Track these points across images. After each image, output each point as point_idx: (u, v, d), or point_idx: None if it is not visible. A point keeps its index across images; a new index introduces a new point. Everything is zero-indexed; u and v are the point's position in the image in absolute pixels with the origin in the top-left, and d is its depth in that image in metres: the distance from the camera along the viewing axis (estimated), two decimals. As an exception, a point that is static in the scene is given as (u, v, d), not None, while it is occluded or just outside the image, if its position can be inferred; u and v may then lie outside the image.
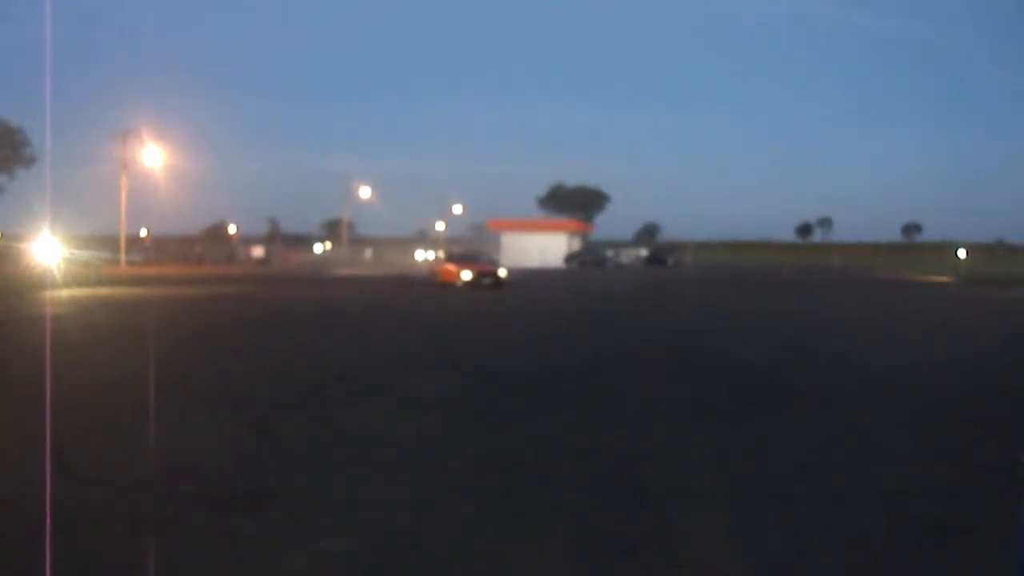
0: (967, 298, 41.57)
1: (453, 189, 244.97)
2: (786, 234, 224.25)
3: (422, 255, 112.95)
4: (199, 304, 31.17)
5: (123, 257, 70.55)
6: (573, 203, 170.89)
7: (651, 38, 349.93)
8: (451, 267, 43.49)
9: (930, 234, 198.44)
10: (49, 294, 34.64)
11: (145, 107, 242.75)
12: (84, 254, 61.91)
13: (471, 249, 67.24)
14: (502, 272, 43.15)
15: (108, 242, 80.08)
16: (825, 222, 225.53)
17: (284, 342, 19.17)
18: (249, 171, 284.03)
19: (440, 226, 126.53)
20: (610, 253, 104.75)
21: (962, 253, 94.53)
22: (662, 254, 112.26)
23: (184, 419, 10.46)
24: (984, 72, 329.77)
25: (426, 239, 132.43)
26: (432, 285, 44.24)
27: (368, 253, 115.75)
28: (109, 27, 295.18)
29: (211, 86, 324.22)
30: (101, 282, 43.44)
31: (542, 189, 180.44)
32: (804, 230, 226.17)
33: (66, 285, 39.99)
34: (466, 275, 41.32)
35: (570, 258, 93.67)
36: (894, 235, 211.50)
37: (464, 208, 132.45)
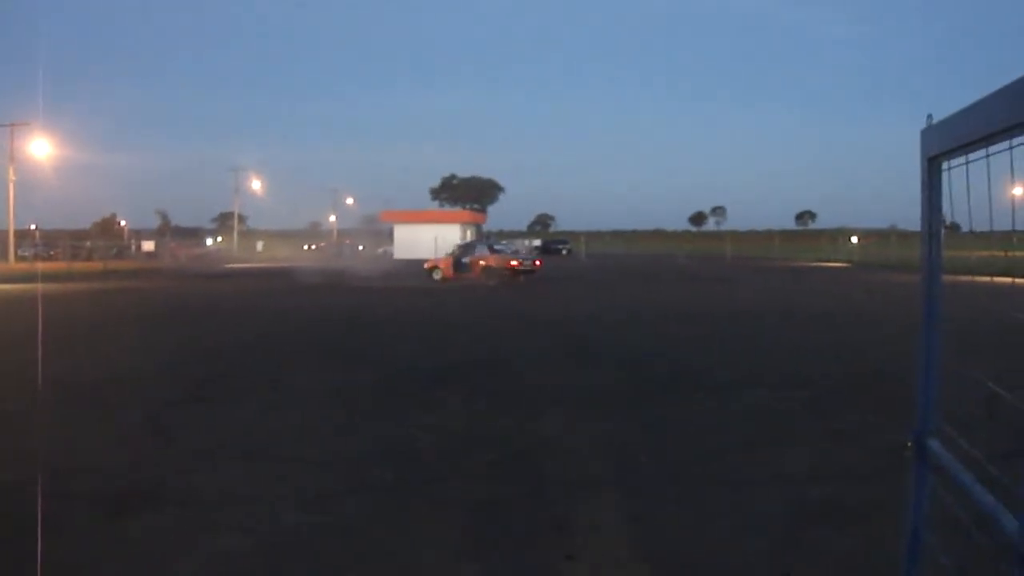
0: (870, 283, 42.15)
1: (346, 181, 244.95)
2: (679, 223, 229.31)
3: (306, 248, 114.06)
4: (88, 300, 31.27)
5: (12, 252, 70.89)
6: (466, 194, 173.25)
7: (543, 26, 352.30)
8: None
9: (823, 221, 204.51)
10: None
11: (32, 98, 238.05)
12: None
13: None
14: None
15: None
16: (718, 211, 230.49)
17: (172, 337, 19.35)
18: (139, 164, 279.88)
19: (332, 218, 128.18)
20: (503, 244, 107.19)
21: (854, 239, 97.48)
22: (555, 245, 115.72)
23: (69, 417, 10.28)
24: (876, 61, 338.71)
25: (319, 232, 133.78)
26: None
27: (260, 246, 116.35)
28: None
29: (99, 77, 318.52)
30: None
31: (435, 180, 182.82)
32: (697, 218, 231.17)
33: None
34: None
35: (456, 250, 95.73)
36: (788, 223, 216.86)
37: (356, 200, 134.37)
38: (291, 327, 21.89)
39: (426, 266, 45.90)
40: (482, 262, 42.60)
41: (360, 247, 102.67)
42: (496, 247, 46.32)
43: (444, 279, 43.31)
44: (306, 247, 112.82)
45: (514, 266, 43.09)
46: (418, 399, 11.73)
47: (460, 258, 43.65)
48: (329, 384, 12.97)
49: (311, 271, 49.95)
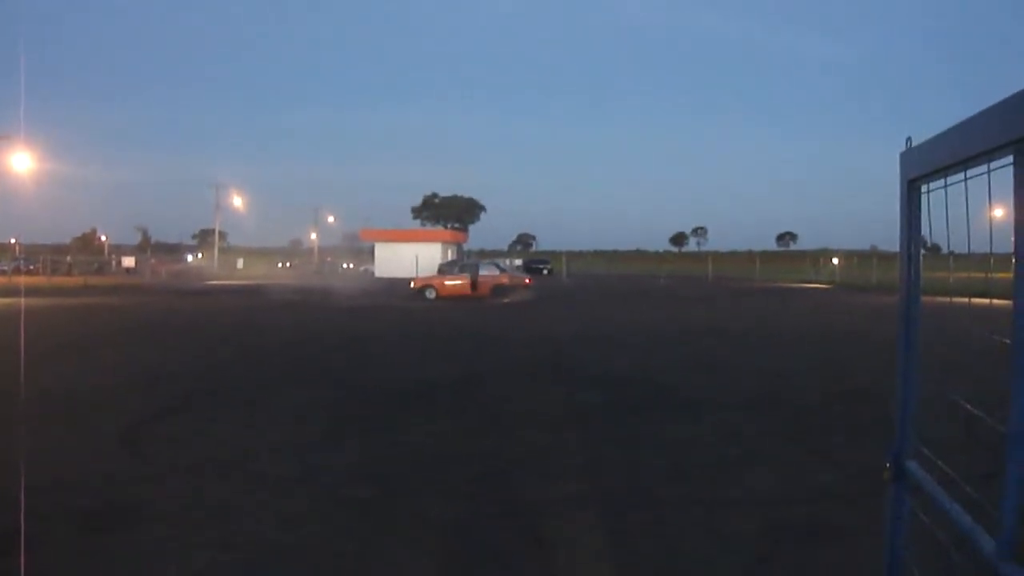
0: (851, 304, 42.57)
1: (327, 199, 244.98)
2: (661, 243, 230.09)
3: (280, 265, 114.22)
4: (67, 315, 31.47)
5: (-10, 267, 70.51)
6: (448, 213, 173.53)
7: (525, 48, 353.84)
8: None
9: (805, 242, 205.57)
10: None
11: (13, 112, 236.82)
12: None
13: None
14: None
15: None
16: (700, 231, 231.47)
17: (152, 354, 19.32)
18: (120, 178, 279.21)
19: (313, 236, 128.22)
20: (489, 263, 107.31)
21: (836, 260, 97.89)
22: (536, 264, 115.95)
23: (45, 433, 10.34)
24: (857, 84, 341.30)
25: (299, 249, 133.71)
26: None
27: (240, 263, 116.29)
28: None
29: (81, 91, 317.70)
30: None
31: (416, 199, 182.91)
32: (678, 239, 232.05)
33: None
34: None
35: (444, 268, 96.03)
36: (769, 244, 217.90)
37: (336, 218, 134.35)
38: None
39: (414, 285, 45.11)
40: (499, 281, 43.52)
41: (347, 265, 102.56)
42: (502, 267, 47.35)
43: (438, 297, 43.12)
44: (282, 265, 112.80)
45: (527, 283, 46.04)
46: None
47: (474, 277, 43.70)
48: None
49: (291, 289, 49.88)
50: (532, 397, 13.63)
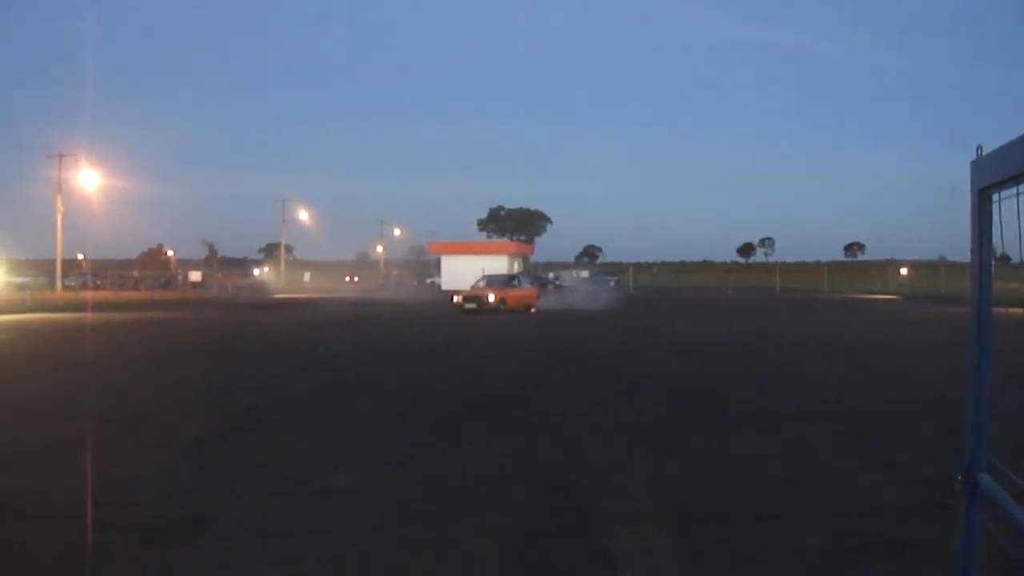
0: (920, 315, 41.37)
1: (393, 212, 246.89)
2: (728, 254, 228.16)
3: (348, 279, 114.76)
4: (134, 329, 31.66)
5: (59, 282, 71.52)
6: (514, 225, 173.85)
7: (593, 59, 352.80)
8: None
9: (872, 253, 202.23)
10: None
11: (81, 129, 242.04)
12: (21, 279, 63.30)
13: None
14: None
15: (44, 266, 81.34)
16: (767, 242, 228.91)
17: (221, 367, 19.55)
18: (187, 194, 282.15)
19: (379, 249, 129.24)
20: (551, 275, 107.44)
21: (904, 271, 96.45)
22: (603, 276, 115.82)
23: (120, 447, 10.43)
24: (926, 95, 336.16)
25: (366, 262, 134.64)
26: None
27: (307, 277, 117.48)
28: (43, 47, 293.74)
29: (148, 108, 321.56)
30: (37, 307, 44.56)
31: (482, 211, 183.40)
32: (745, 250, 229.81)
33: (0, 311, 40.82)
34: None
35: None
36: (837, 254, 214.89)
37: (403, 231, 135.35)
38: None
39: (470, 297, 42.73)
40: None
41: (425, 280, 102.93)
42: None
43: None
44: (349, 278, 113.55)
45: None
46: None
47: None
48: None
49: (361, 302, 50.11)
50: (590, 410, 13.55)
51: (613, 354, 22.42)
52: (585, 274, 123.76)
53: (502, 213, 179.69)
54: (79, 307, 45.98)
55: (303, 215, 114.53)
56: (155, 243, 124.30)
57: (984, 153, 2.76)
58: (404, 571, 6.27)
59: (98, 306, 47.72)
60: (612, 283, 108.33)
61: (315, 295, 72.05)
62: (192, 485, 8.69)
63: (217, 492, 8.37)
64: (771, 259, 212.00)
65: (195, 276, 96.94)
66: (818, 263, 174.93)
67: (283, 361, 20.77)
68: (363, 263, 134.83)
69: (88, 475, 8.29)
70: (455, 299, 43.28)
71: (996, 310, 2.82)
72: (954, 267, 79.18)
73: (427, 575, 6.19)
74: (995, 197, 2.75)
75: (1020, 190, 2.51)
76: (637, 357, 21.66)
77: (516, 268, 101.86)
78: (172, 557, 6.44)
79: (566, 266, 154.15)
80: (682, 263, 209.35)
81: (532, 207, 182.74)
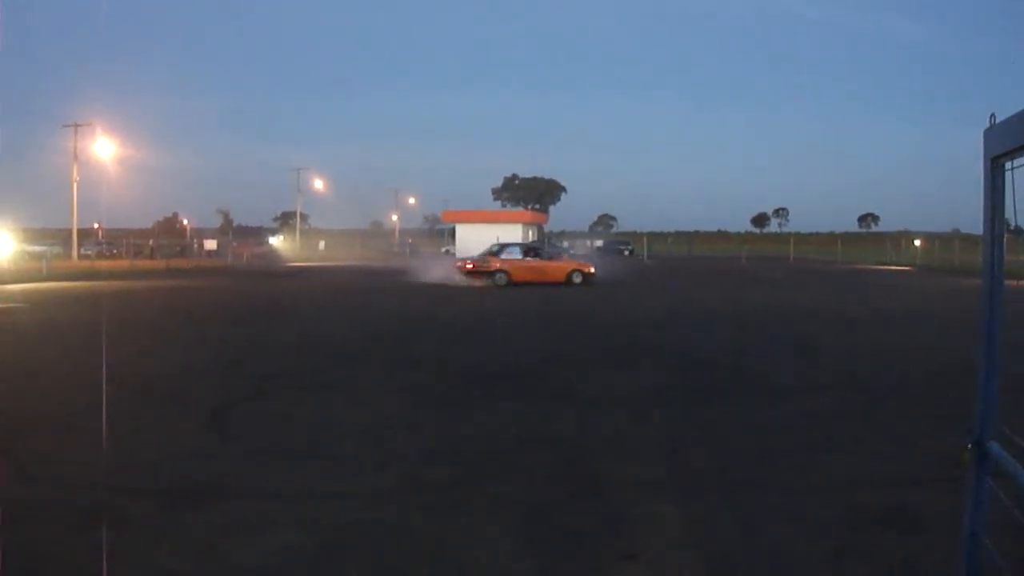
0: (934, 287, 40.74)
1: (407, 181, 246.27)
2: (742, 224, 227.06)
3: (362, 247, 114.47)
4: (150, 297, 31.84)
5: (75, 251, 71.73)
6: (528, 194, 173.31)
7: (606, 28, 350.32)
8: None
9: (886, 224, 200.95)
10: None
11: (95, 99, 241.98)
12: (38, 248, 63.40)
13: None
14: None
15: (60, 235, 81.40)
16: (781, 212, 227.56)
17: (240, 334, 19.57)
18: (202, 163, 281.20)
19: (394, 218, 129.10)
20: (565, 244, 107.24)
21: (917, 243, 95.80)
22: (617, 246, 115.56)
23: (136, 414, 10.43)
24: (939, 65, 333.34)
25: (380, 231, 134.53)
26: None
27: (321, 245, 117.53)
28: (57, 17, 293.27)
29: (162, 78, 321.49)
30: (52, 276, 44.53)
31: (497, 180, 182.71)
32: (760, 220, 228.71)
33: (16, 280, 40.99)
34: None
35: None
36: (851, 225, 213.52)
37: (417, 200, 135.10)
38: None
39: (478, 267, 40.90)
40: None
41: (446, 249, 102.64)
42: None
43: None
44: (363, 247, 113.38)
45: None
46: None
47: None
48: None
49: (379, 270, 49.94)
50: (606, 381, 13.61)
51: (625, 325, 22.33)
52: (599, 243, 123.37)
53: (516, 182, 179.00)
54: (95, 276, 46.24)
55: (318, 184, 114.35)
56: (170, 212, 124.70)
57: (997, 121, 2.74)
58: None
59: (114, 274, 47.91)
60: (626, 252, 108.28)
61: (331, 263, 71.97)
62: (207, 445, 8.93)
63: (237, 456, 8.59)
64: (785, 229, 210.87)
65: (210, 244, 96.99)
66: (832, 234, 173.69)
67: (290, 329, 20.91)
68: (377, 231, 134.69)
69: (108, 440, 8.38)
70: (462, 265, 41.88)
71: (1008, 282, 2.81)
72: (968, 239, 78.49)
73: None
74: (1008, 165, 2.74)
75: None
76: (651, 327, 21.68)
77: (531, 237, 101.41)
78: (191, 522, 6.57)
79: (581, 235, 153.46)
80: (696, 233, 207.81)
81: (547, 176, 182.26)
